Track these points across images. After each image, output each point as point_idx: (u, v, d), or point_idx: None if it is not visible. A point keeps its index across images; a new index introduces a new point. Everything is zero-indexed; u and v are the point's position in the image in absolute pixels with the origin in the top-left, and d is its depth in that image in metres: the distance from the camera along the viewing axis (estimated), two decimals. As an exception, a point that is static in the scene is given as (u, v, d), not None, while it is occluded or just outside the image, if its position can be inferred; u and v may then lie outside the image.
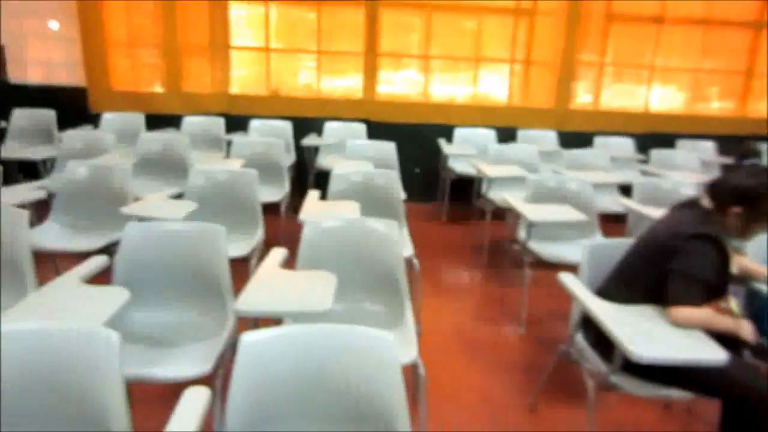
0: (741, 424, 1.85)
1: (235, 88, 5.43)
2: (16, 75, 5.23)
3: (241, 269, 2.43)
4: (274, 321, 1.70)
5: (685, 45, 5.62)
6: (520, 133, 5.33)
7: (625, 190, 3.69)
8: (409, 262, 2.73)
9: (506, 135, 5.36)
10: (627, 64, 5.65)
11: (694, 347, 1.64)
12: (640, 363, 1.58)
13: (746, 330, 1.84)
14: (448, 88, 5.58)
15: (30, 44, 5.22)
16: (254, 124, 5.00)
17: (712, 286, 1.84)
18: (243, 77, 5.52)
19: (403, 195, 3.59)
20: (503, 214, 3.94)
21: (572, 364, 2.13)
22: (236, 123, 5.01)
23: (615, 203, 3.61)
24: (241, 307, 1.61)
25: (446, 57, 5.49)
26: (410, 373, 1.86)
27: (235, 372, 1.29)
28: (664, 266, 1.86)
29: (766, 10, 5.57)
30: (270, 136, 4.57)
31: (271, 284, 1.81)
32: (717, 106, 5.87)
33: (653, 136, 5.47)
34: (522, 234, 3.08)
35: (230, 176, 3.06)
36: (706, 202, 1.95)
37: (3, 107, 4.79)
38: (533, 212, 2.89)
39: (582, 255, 2.19)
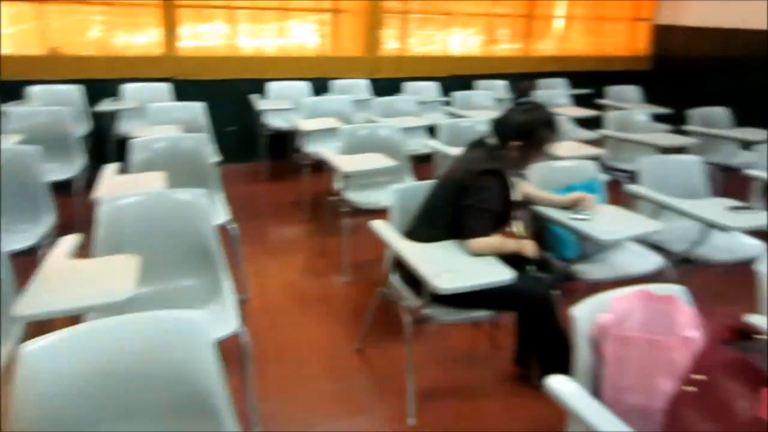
0: (533, 326, 2.15)
1: (6, 49, 4.62)
2: None
3: (31, 265, 2.17)
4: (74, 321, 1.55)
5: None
6: (334, 83, 5.35)
7: (434, 131, 3.90)
8: (225, 229, 2.67)
9: (320, 86, 5.36)
10: (428, 11, 5.89)
11: (487, 272, 1.83)
12: (446, 294, 1.73)
13: (529, 248, 2.09)
14: (257, 40, 5.37)
15: None
16: (33, 90, 4.36)
17: (500, 214, 2.05)
18: (14, 35, 4.74)
19: (216, 158, 3.46)
20: (324, 167, 3.97)
21: (391, 303, 2.27)
22: (8, 90, 4.30)
23: (424, 145, 3.82)
24: (21, 312, 1.41)
25: (252, 7, 5.25)
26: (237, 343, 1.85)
27: (18, 389, 1.12)
28: (459, 203, 2.03)
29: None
30: (55, 103, 4.04)
31: (60, 278, 1.63)
32: (507, 47, 6.40)
33: (455, 78, 5.84)
34: (339, 185, 3.13)
35: (5, 156, 2.66)
36: (492, 140, 2.14)
37: None
38: (346, 163, 2.96)
39: (391, 200, 2.30)
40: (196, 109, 3.97)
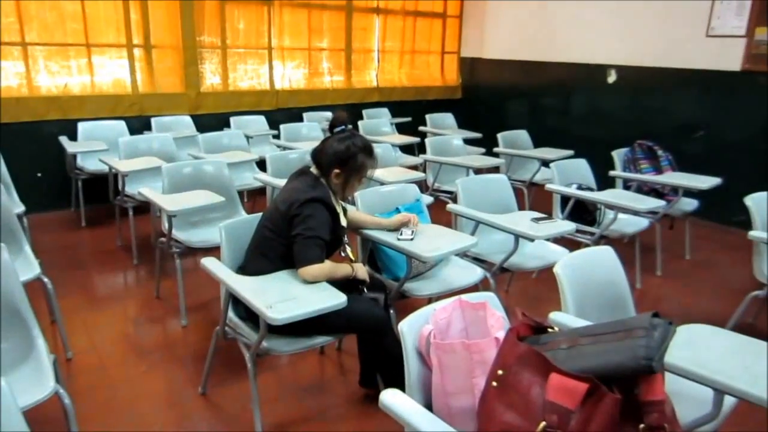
0: (372, 346, 2.22)
1: None
2: None
3: None
4: None
5: (294, 25, 6.12)
6: (155, 121, 5.11)
7: (264, 164, 3.86)
8: (41, 284, 2.44)
9: (141, 124, 5.08)
10: (247, 45, 5.87)
11: (321, 298, 1.86)
12: (281, 324, 1.73)
13: (360, 271, 2.17)
14: (61, 78, 4.91)
15: None
16: None
17: (330, 240, 2.11)
18: None
19: (19, 208, 3.14)
20: (148, 208, 3.76)
21: (232, 341, 2.20)
22: None
23: (254, 179, 3.79)
24: None
25: (50, 44, 4.80)
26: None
27: None
28: (289, 233, 2.05)
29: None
30: None
31: None
32: (332, 79, 6.61)
33: (282, 111, 5.90)
34: (166, 226, 2.99)
35: None
36: (314, 169, 2.20)
37: None
38: (170, 203, 2.83)
39: (221, 236, 2.25)
40: (-14, 157, 3.52)
